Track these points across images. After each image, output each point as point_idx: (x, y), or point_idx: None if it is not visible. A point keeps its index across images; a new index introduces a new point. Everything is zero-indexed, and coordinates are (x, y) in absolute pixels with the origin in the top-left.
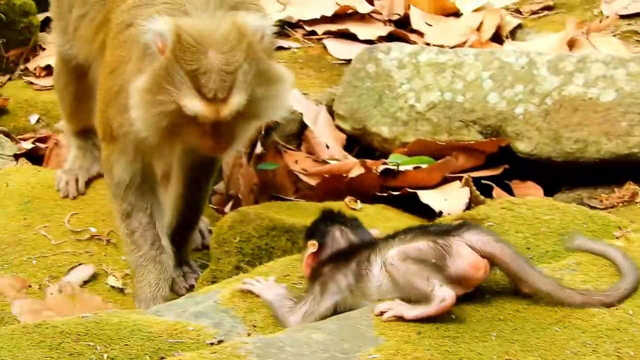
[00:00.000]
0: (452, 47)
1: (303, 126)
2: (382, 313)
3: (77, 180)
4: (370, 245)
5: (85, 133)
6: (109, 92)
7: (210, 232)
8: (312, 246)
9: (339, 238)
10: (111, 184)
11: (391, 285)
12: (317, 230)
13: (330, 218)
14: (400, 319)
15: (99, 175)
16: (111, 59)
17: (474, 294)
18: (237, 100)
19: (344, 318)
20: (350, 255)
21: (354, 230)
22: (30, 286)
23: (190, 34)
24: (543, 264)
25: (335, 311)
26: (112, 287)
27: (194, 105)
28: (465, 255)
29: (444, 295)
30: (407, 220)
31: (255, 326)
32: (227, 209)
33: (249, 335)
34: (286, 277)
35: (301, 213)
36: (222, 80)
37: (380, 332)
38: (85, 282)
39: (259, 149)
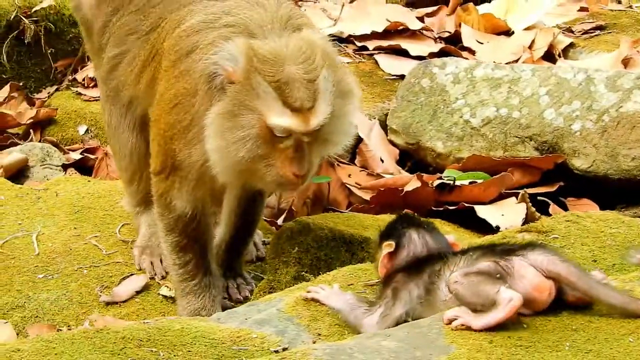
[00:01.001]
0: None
1: (356, 140)
2: (450, 321)
3: (161, 260)
4: (442, 257)
5: (149, 202)
6: (174, 126)
7: (264, 243)
8: (389, 247)
9: (416, 240)
10: (168, 218)
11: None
12: (393, 231)
13: (406, 220)
14: (468, 328)
15: None
16: (172, 91)
17: None
18: (323, 109)
19: (414, 326)
20: (423, 265)
21: (430, 233)
22: (60, 330)
23: (265, 50)
24: (611, 277)
25: (405, 320)
26: (165, 296)
27: (282, 118)
28: (528, 277)
29: (510, 295)
30: (463, 235)
31: (320, 334)
32: (280, 221)
33: (314, 343)
34: (350, 286)
35: (360, 225)
36: (306, 89)
37: (452, 341)
38: (137, 292)
39: None
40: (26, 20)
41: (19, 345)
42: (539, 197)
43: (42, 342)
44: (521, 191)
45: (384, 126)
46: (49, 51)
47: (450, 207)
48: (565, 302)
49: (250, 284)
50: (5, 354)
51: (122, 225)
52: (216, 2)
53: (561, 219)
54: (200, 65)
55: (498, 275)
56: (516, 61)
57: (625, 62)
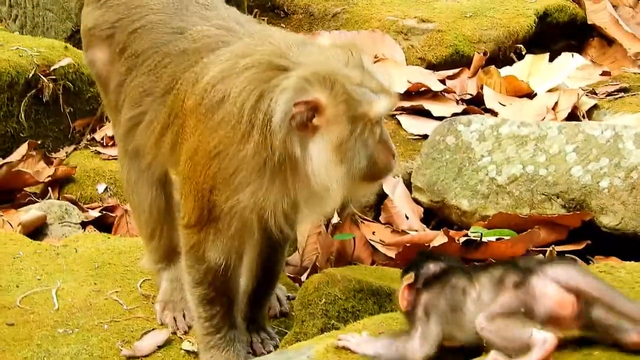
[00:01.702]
0: None
1: (379, 197)
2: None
3: (184, 315)
4: (463, 273)
5: (170, 258)
6: (215, 177)
7: (288, 298)
8: (409, 279)
9: (433, 268)
10: (197, 270)
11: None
12: (412, 266)
13: (425, 256)
14: None
15: None
16: (210, 144)
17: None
18: (388, 84)
19: None
20: (443, 279)
21: (448, 262)
22: None
23: (321, 69)
24: None
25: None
26: (187, 351)
27: (382, 104)
28: (550, 294)
29: (544, 337)
30: None
31: None
32: (303, 277)
33: None
34: (380, 335)
35: (388, 277)
36: (371, 77)
37: None
38: (159, 347)
39: (335, 219)
40: (45, 79)
41: None
42: (566, 255)
43: None
44: (549, 248)
45: (407, 185)
46: (67, 110)
47: (477, 264)
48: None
49: (275, 339)
50: None
51: (143, 281)
52: (226, 48)
53: (595, 270)
54: (238, 110)
55: (523, 310)
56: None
57: None
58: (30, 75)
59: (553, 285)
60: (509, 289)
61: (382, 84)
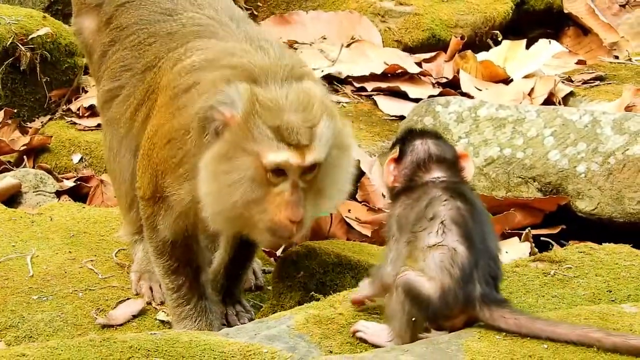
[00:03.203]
0: None
1: (356, 176)
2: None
3: (160, 285)
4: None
5: None
6: (166, 161)
7: (264, 272)
8: (393, 153)
9: (419, 147)
10: (155, 241)
11: None
12: (398, 140)
13: (412, 132)
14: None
15: None
16: (167, 127)
17: None
18: (320, 147)
19: (433, 342)
20: (420, 192)
21: (436, 141)
22: None
23: (266, 97)
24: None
25: None
26: (162, 321)
27: (278, 153)
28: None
29: None
30: None
31: (331, 352)
32: (279, 252)
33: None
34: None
35: (367, 252)
36: (304, 133)
37: (471, 358)
38: (134, 316)
39: None
40: (22, 48)
41: (24, 350)
42: (541, 239)
43: (48, 349)
44: (526, 230)
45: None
46: (44, 80)
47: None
48: None
49: (250, 312)
50: (11, 358)
51: (119, 251)
52: (218, 42)
53: (574, 250)
54: (198, 105)
55: None
56: None
57: (628, 110)
58: (8, 43)
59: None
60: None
61: (305, 142)
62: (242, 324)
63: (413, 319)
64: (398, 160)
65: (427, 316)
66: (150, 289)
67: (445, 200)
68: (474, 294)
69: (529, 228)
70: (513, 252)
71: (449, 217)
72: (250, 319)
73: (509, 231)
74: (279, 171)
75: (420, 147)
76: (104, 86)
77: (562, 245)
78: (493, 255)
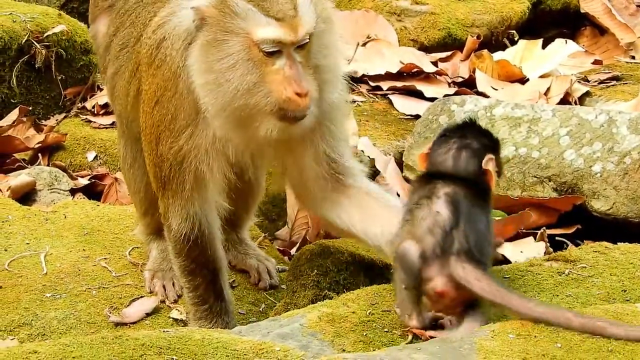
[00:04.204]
0: None
1: (371, 176)
2: None
3: (173, 284)
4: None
5: (162, 232)
6: (159, 124)
7: (278, 270)
8: (427, 146)
9: (442, 153)
10: (172, 240)
11: None
12: (442, 132)
13: (457, 128)
14: None
15: None
16: (152, 88)
17: None
18: (308, 18)
19: (446, 341)
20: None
21: (465, 151)
22: None
23: None
24: None
25: None
26: (175, 319)
27: (268, 29)
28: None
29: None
30: None
31: (344, 350)
32: (293, 251)
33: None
34: (373, 306)
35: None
36: (285, 2)
37: (484, 357)
38: (147, 315)
39: None
40: (37, 45)
41: (37, 347)
42: (556, 238)
43: (60, 346)
44: (540, 230)
45: (399, 164)
46: (59, 78)
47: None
48: None
49: (258, 254)
50: (22, 355)
51: (132, 249)
52: None
53: (589, 250)
54: (173, 49)
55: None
56: None
57: None
58: (23, 41)
59: (444, 279)
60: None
61: (291, 13)
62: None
63: (404, 286)
64: (427, 155)
65: (413, 278)
66: (164, 287)
67: (447, 187)
68: (451, 249)
69: (544, 228)
70: (528, 251)
71: (443, 194)
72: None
73: (524, 231)
74: (273, 51)
75: (442, 155)
76: (108, 73)
77: (577, 245)
78: (480, 231)
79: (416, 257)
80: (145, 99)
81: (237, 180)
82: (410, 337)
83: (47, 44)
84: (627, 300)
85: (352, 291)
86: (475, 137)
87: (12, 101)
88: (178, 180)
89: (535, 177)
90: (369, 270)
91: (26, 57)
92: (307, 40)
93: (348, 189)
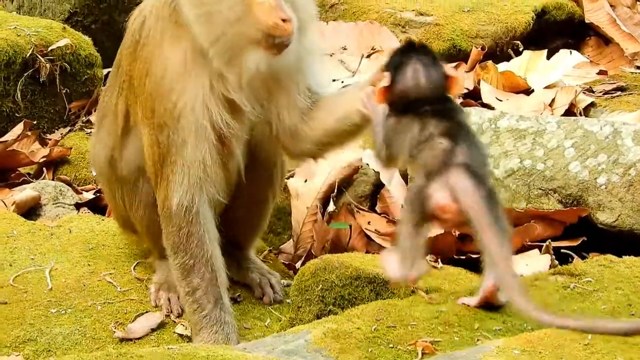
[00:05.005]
0: None
1: (375, 187)
2: None
3: (178, 297)
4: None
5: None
6: (153, 91)
7: (283, 285)
8: (384, 80)
9: (409, 77)
10: (173, 233)
11: None
12: (392, 62)
13: (407, 51)
14: None
15: None
16: (140, 66)
17: None
18: None
19: (451, 357)
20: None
21: (425, 69)
22: None
23: None
24: None
25: None
26: (181, 335)
27: None
28: (437, 199)
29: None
30: None
31: None
32: (298, 265)
33: None
34: (378, 321)
35: None
36: None
37: None
38: (153, 330)
39: (331, 207)
40: (42, 59)
41: None
42: (561, 251)
43: None
44: (546, 242)
45: (404, 176)
46: (64, 91)
47: (473, 256)
48: None
49: (267, 274)
50: None
51: (137, 264)
52: None
53: (594, 263)
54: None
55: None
56: None
57: None
58: (28, 55)
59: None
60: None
61: None
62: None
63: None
64: (388, 88)
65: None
66: (169, 300)
67: (435, 122)
68: (453, 161)
69: (549, 240)
70: (533, 264)
71: (437, 133)
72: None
73: (530, 243)
74: None
75: (410, 79)
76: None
77: (582, 258)
78: (481, 150)
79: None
80: (136, 82)
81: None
82: (419, 352)
83: (52, 57)
84: (632, 314)
85: (356, 306)
86: (424, 53)
87: (17, 115)
88: (179, 146)
89: (541, 189)
90: (374, 284)
91: (30, 71)
92: None
93: (322, 105)
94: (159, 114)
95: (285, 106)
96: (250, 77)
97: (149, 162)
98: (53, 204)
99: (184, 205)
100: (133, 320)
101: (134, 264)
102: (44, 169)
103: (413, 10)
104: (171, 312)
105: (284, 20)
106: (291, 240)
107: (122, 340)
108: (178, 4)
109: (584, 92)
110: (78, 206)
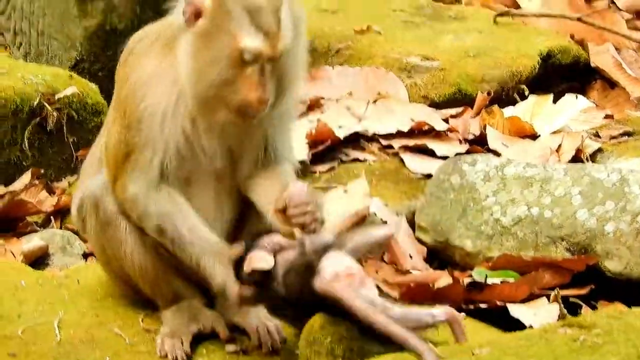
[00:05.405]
0: None
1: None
2: None
3: (182, 342)
4: None
5: (177, 299)
6: (128, 95)
7: (281, 336)
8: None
9: None
10: (128, 207)
11: None
12: None
13: None
14: None
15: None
16: (122, 75)
17: None
18: (287, 34)
19: None
20: None
21: None
22: None
23: None
24: None
25: None
26: None
27: (254, 40)
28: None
29: None
30: (496, 333)
31: None
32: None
33: None
34: None
35: None
36: (272, 15)
37: None
38: None
39: None
40: (49, 107)
41: None
42: (570, 299)
43: None
44: (554, 291)
45: (411, 224)
46: (71, 140)
47: (482, 305)
48: None
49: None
50: None
51: (146, 315)
52: None
53: (603, 315)
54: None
55: None
56: None
57: None
58: (35, 103)
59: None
60: None
61: (274, 29)
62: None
63: None
64: None
65: None
66: (174, 345)
67: None
68: None
69: (558, 289)
70: (542, 313)
71: None
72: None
73: (538, 292)
74: (250, 58)
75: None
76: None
77: (591, 306)
78: None
79: None
80: (118, 85)
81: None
82: None
83: (59, 106)
84: None
85: (367, 359)
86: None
87: (24, 163)
88: (141, 146)
89: (548, 237)
90: (385, 336)
91: (38, 119)
92: (283, 52)
93: (269, 171)
94: (128, 114)
95: (244, 148)
96: (217, 127)
97: (111, 158)
98: (61, 253)
99: (142, 190)
100: None
101: (142, 315)
102: (52, 217)
103: (418, 55)
104: (176, 358)
105: (259, 101)
106: None
107: None
108: (177, 39)
109: (590, 137)
110: (86, 255)
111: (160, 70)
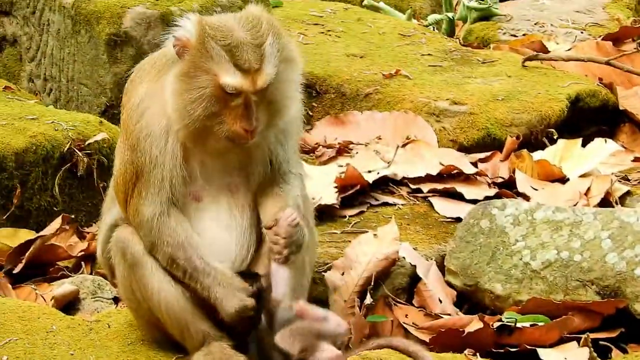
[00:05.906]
0: None
1: (412, 280)
2: None
3: None
4: None
5: (206, 341)
6: (130, 116)
7: None
8: None
9: None
10: (140, 228)
11: None
12: None
13: None
14: None
15: None
16: (125, 101)
17: None
18: (269, 71)
19: None
20: None
21: None
22: None
23: (216, 20)
24: None
25: None
26: None
27: (233, 78)
28: None
29: None
30: None
31: None
32: None
33: None
34: None
35: None
36: (254, 52)
37: None
38: None
39: (368, 299)
40: (79, 153)
41: None
42: (600, 343)
43: None
44: (584, 335)
45: (441, 268)
46: (101, 185)
47: (512, 349)
48: None
49: None
50: None
51: (176, 359)
52: None
53: (633, 358)
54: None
55: None
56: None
57: None
58: (65, 149)
59: None
60: None
61: (255, 66)
62: None
63: None
64: None
65: None
66: None
67: None
68: None
69: (588, 333)
70: (572, 357)
71: None
72: None
73: (568, 335)
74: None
75: None
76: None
77: (621, 349)
78: None
79: None
80: (122, 109)
81: None
82: None
83: (89, 152)
84: None
85: None
86: None
87: (55, 209)
88: (147, 166)
89: (578, 280)
90: None
91: (68, 165)
92: (265, 86)
93: (274, 188)
94: (129, 135)
95: (248, 168)
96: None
97: (120, 180)
98: (92, 298)
99: (155, 211)
100: None
101: (173, 359)
102: (82, 262)
103: (447, 99)
104: None
105: (246, 131)
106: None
107: None
108: (169, 67)
109: (619, 181)
110: (116, 300)
111: (152, 92)
